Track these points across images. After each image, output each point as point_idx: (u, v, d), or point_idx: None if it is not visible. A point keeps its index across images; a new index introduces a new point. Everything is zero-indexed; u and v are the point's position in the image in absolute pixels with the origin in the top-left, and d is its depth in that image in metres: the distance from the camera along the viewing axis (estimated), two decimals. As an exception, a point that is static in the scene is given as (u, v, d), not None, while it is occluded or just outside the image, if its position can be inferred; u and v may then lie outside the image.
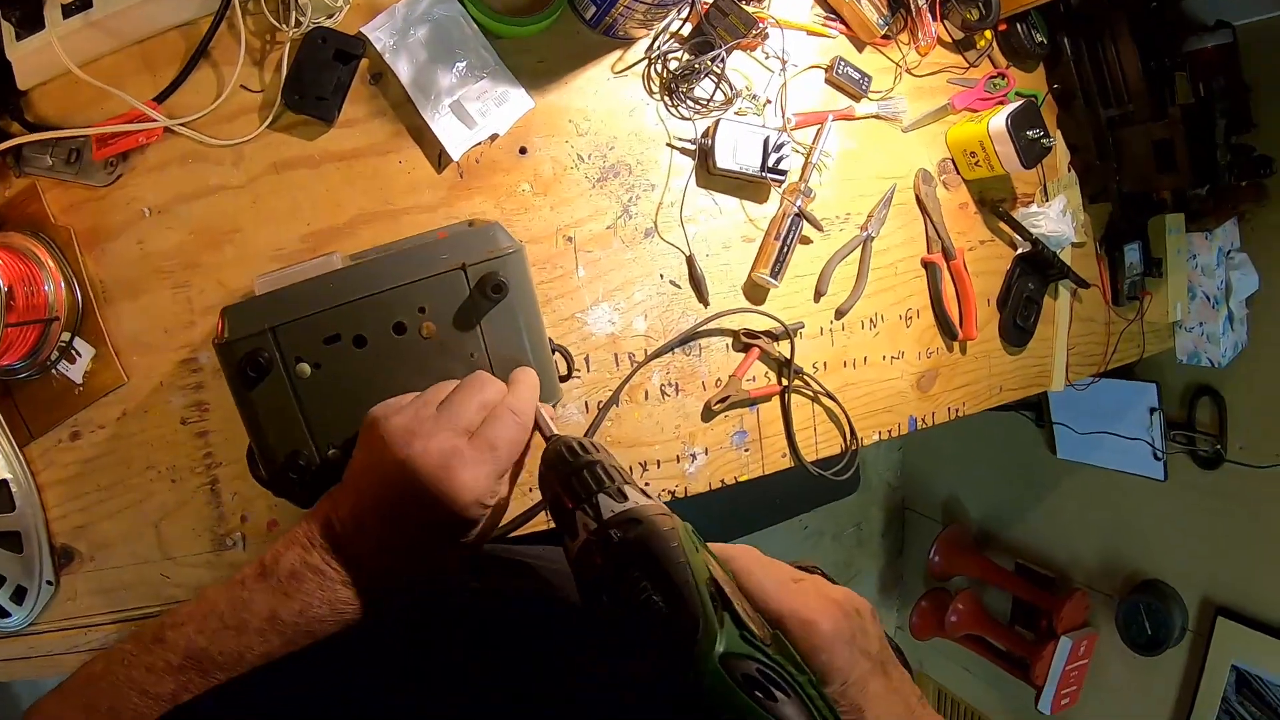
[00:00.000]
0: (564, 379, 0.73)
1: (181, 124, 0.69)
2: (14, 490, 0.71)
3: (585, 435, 0.77)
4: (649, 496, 0.43)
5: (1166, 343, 1.24)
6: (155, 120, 0.68)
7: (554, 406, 0.63)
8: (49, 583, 0.73)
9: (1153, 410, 1.42)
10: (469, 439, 0.47)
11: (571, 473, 0.44)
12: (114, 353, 0.72)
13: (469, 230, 0.60)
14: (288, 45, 0.70)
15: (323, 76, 0.70)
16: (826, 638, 0.39)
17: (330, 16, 0.71)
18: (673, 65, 0.81)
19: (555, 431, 0.51)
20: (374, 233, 0.74)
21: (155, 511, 0.73)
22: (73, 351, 0.71)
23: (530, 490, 0.78)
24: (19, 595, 0.73)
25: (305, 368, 0.55)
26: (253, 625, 0.45)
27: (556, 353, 0.70)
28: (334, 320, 0.55)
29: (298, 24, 0.70)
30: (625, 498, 0.41)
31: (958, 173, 1.00)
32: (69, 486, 0.73)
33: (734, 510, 1.74)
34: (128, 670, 0.43)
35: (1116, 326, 1.15)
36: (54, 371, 0.71)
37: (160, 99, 0.69)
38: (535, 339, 0.59)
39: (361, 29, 0.72)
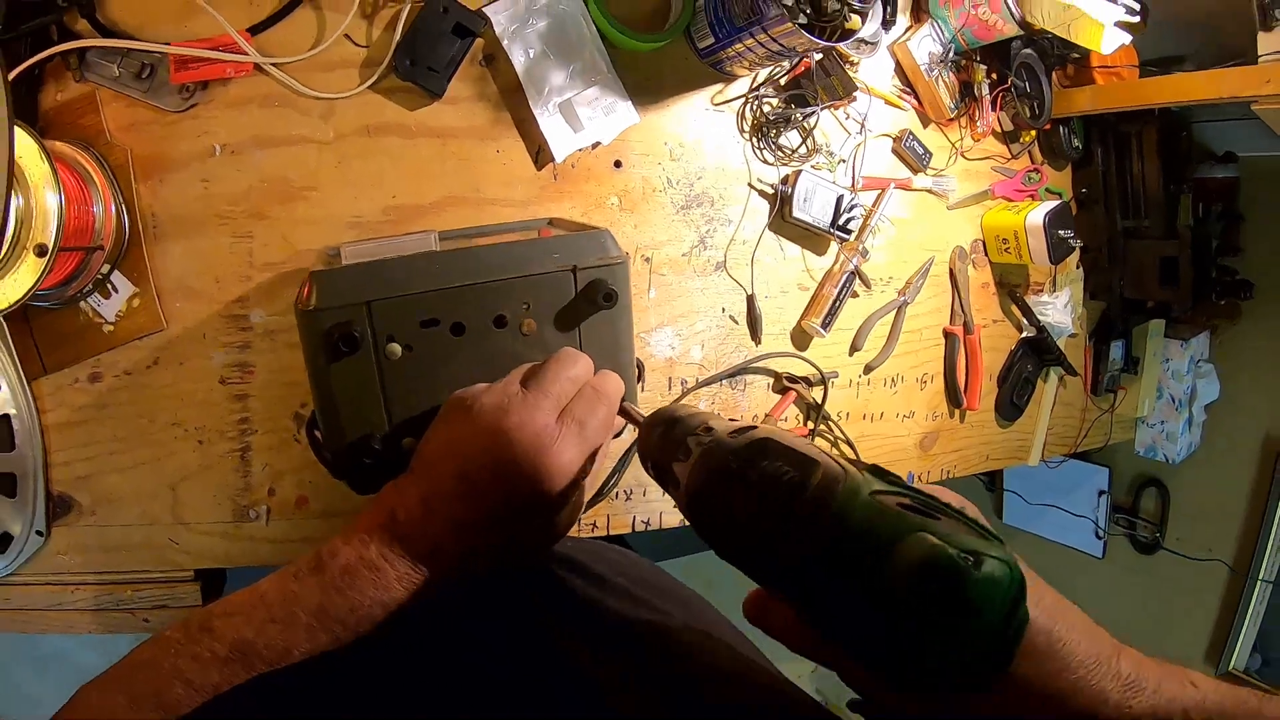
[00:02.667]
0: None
1: (274, 63, 0.66)
2: (15, 427, 0.66)
3: (623, 457, 0.80)
4: (734, 420, 0.42)
5: (1128, 434, 1.34)
6: (247, 54, 0.64)
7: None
8: (39, 533, 0.69)
9: (1101, 493, 1.54)
10: (559, 416, 0.46)
11: (664, 432, 0.44)
12: (156, 294, 0.67)
13: (580, 233, 0.59)
14: (407, 7, 0.68)
15: (438, 47, 0.68)
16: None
17: None
18: (766, 110, 0.83)
19: (644, 417, 0.50)
20: (459, 217, 0.73)
21: (175, 472, 0.70)
22: (109, 285, 0.67)
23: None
24: (3, 542, 0.68)
25: (396, 348, 0.53)
26: (301, 620, 0.43)
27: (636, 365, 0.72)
28: (435, 304, 0.54)
29: None
30: (713, 430, 0.40)
31: (985, 254, 1.06)
32: (79, 431, 0.68)
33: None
34: (174, 659, 0.42)
35: (1090, 414, 1.25)
36: (83, 304, 0.67)
37: (255, 31, 0.65)
38: (627, 350, 0.60)
39: (484, 7, 0.70)
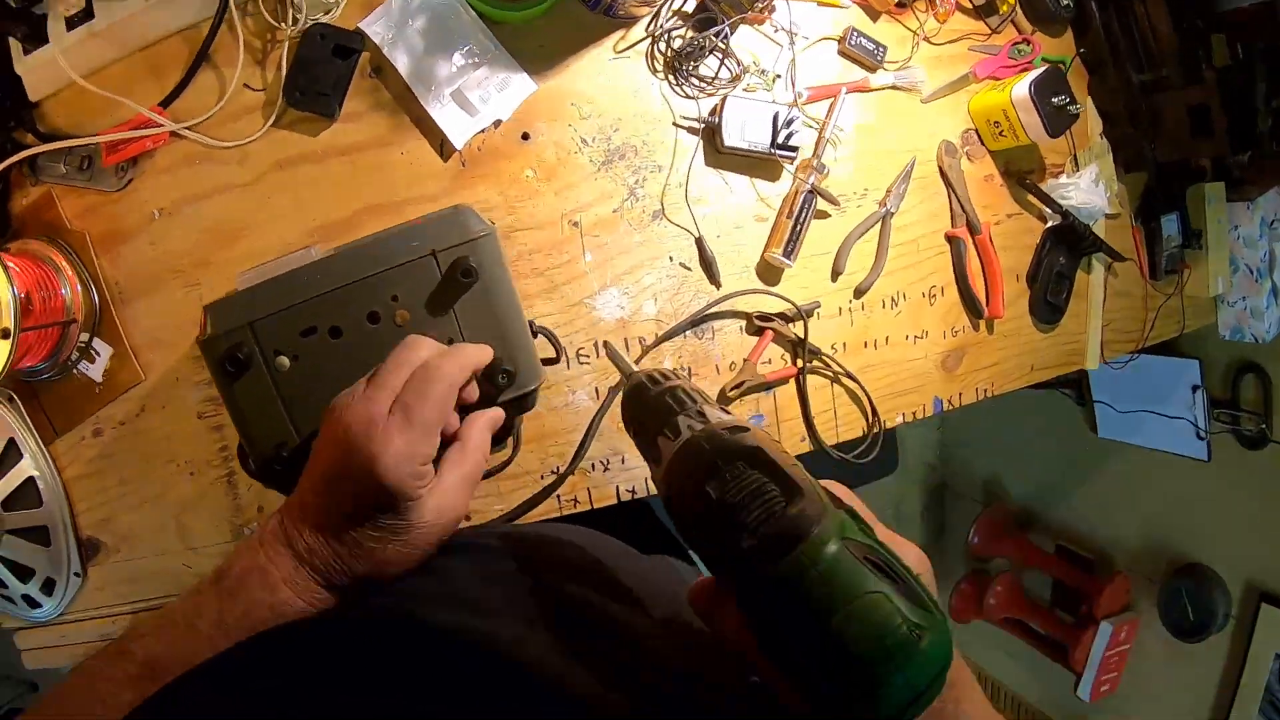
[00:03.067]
0: (552, 361, 0.72)
1: (187, 127, 0.71)
2: (41, 486, 0.75)
3: (590, 425, 0.78)
4: (729, 414, 0.42)
5: (1208, 318, 1.18)
6: (161, 125, 0.70)
7: (538, 389, 0.62)
8: (76, 574, 0.77)
9: (1195, 388, 1.36)
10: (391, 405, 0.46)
11: (655, 397, 0.44)
12: (131, 351, 0.74)
13: (439, 216, 0.59)
14: (287, 44, 0.71)
15: (323, 72, 0.71)
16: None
17: (327, 13, 0.72)
18: (676, 43, 0.78)
19: (634, 368, 0.50)
20: (380, 224, 0.74)
21: (175, 504, 0.76)
22: (92, 351, 0.74)
23: (541, 477, 0.78)
24: (48, 586, 0.77)
25: (284, 360, 0.57)
26: (202, 629, 0.44)
27: (539, 335, 0.70)
28: (309, 313, 0.57)
29: (295, 22, 0.70)
30: (706, 419, 0.41)
31: (982, 144, 0.96)
32: (93, 481, 0.75)
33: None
34: (91, 683, 0.44)
35: (1154, 301, 1.10)
36: (75, 371, 0.74)
37: (165, 103, 0.71)
38: (511, 321, 0.59)
39: (359, 24, 0.72)
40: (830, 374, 0.88)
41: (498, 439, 0.63)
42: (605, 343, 0.49)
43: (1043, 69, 0.89)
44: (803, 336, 0.85)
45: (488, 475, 0.76)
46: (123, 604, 0.78)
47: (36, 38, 0.68)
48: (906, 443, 2.33)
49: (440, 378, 0.48)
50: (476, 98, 0.72)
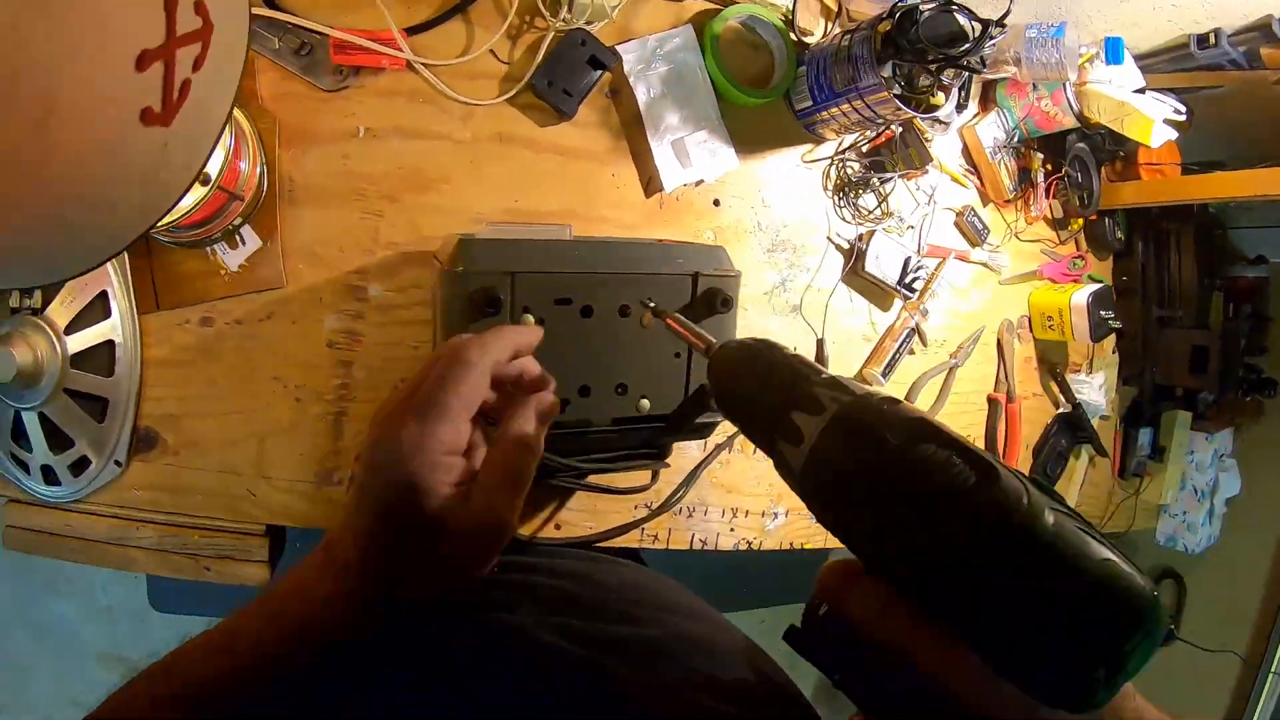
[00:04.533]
0: None
1: (425, 63, 0.71)
2: (118, 355, 0.67)
3: (692, 472, 0.84)
4: (863, 383, 0.41)
5: (1151, 521, 1.38)
6: (402, 51, 0.69)
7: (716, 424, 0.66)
8: (117, 463, 0.69)
9: (1118, 581, 1.55)
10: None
11: (782, 363, 0.39)
12: (281, 253, 0.70)
13: (700, 246, 0.65)
14: (549, 35, 0.75)
15: (573, 74, 0.75)
16: None
17: (590, 23, 0.76)
18: (849, 172, 0.91)
19: (713, 340, 0.46)
20: (575, 229, 0.77)
21: (266, 425, 0.71)
22: (238, 237, 0.69)
23: (634, 508, 0.82)
24: (79, 466, 0.68)
25: (530, 319, 0.57)
26: (240, 649, 0.42)
27: None
28: (570, 285, 0.59)
29: (564, 20, 0.75)
30: (847, 389, 0.36)
31: (1030, 330, 1.12)
32: (178, 370, 0.69)
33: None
34: (137, 705, 0.41)
35: (1116, 496, 1.29)
36: (207, 250, 0.69)
37: (411, 32, 0.70)
38: None
39: (616, 45, 0.77)
40: (880, 486, 0.98)
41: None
42: (675, 316, 0.48)
43: (1099, 285, 1.07)
44: (873, 447, 0.95)
45: (602, 490, 0.78)
46: (156, 512, 0.71)
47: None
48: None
49: (464, 360, 0.43)
50: (693, 153, 0.80)
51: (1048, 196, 1.08)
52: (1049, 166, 1.07)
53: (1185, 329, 1.16)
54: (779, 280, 0.88)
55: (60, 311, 0.66)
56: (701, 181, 0.83)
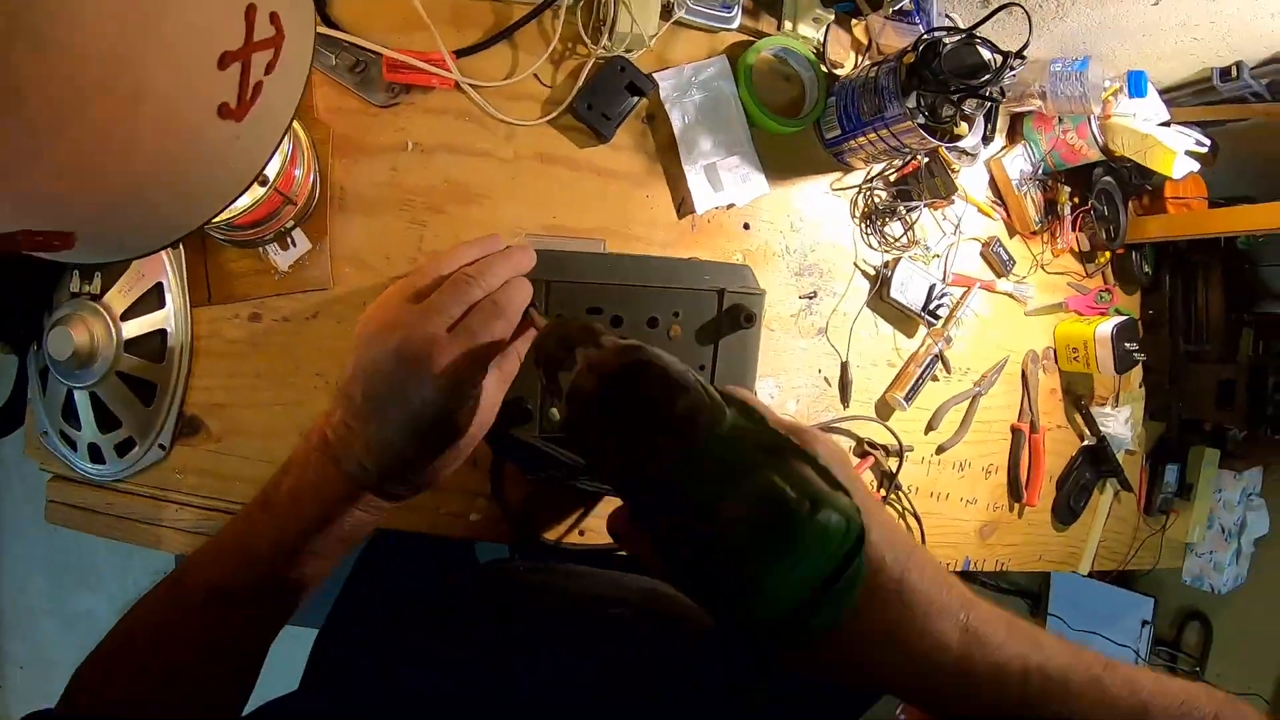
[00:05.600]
0: None
1: (473, 84, 0.76)
2: (169, 343, 0.71)
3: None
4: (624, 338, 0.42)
5: (1177, 560, 1.36)
6: (451, 72, 0.74)
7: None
8: (161, 446, 0.72)
9: (1145, 623, 1.53)
10: (449, 330, 0.47)
11: (564, 335, 0.43)
12: (330, 256, 0.74)
13: (726, 265, 0.68)
14: (590, 61, 0.79)
15: (613, 99, 0.79)
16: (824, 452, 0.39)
17: (630, 51, 0.80)
18: (876, 201, 0.93)
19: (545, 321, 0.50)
20: (610, 246, 0.81)
21: (308, 418, 0.73)
22: (289, 239, 0.73)
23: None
24: (125, 447, 0.72)
25: (541, 322, 0.58)
26: (260, 554, 0.46)
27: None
28: (601, 295, 0.62)
29: (605, 48, 0.79)
30: (601, 345, 0.40)
31: (1055, 362, 1.13)
32: (226, 362, 0.73)
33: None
34: (157, 618, 0.46)
35: (1141, 533, 1.28)
36: (260, 249, 0.72)
37: (460, 54, 0.75)
38: (752, 371, 0.68)
39: (654, 74, 0.81)
40: (901, 508, 0.99)
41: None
42: (527, 308, 0.51)
43: (1123, 318, 1.07)
44: (895, 471, 0.96)
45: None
46: (194, 496, 0.74)
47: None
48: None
49: (505, 312, 0.49)
50: (725, 178, 0.84)
51: (1074, 229, 1.09)
52: (1075, 200, 1.08)
53: (1213, 363, 1.15)
54: (806, 304, 0.91)
55: (118, 298, 0.71)
56: (733, 205, 0.86)
